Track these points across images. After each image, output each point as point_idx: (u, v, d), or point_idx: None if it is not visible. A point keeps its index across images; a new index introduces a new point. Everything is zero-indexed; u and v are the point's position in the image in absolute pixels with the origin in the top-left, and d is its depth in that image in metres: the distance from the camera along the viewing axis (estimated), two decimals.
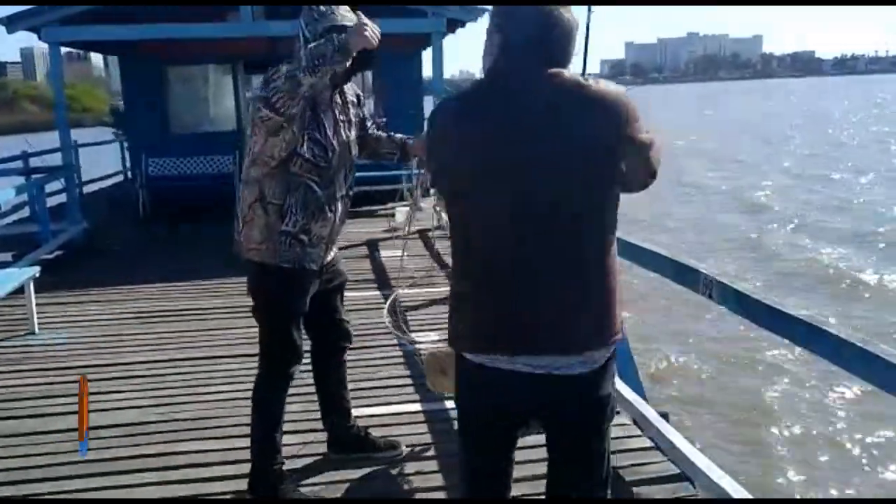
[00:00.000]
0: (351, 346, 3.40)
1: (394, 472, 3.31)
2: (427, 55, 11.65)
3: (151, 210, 10.62)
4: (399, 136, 3.26)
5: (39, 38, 8.34)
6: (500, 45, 1.83)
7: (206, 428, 3.78)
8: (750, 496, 2.76)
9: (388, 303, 5.50)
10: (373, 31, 2.57)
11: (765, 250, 13.04)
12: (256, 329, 3.04)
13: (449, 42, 9.10)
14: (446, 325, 1.95)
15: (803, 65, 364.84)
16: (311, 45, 2.60)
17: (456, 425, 2.06)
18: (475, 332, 1.85)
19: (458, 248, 1.92)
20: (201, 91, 11.63)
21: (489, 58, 1.86)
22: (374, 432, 3.55)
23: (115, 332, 5.49)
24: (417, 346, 4.69)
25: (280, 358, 3.01)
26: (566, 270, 1.76)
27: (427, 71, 11.82)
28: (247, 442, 3.14)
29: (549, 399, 1.84)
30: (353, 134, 3.00)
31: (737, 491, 2.76)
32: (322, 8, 2.79)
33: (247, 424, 3.43)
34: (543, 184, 1.73)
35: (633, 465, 3.24)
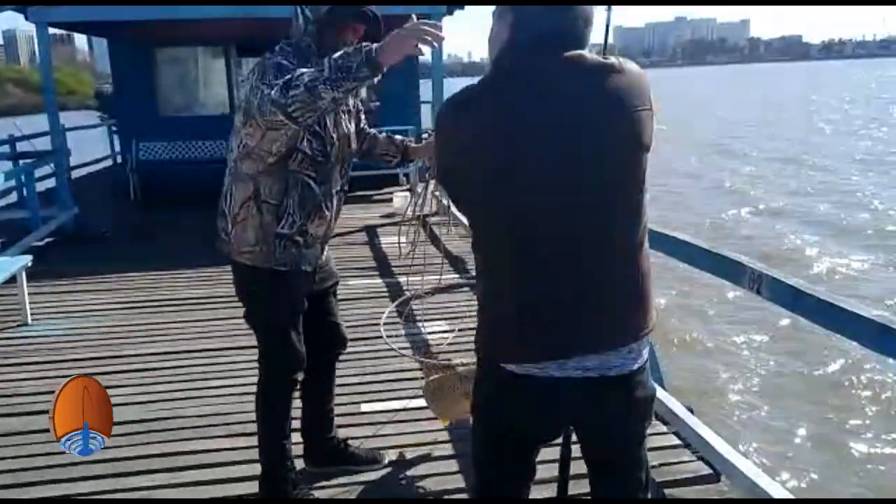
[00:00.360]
0: (354, 339, 3.26)
1: (409, 473, 3.17)
2: None
3: (143, 195, 10.43)
4: (399, 137, 3.04)
5: (27, 18, 8.08)
6: (512, 28, 1.67)
7: (212, 425, 3.63)
8: (791, 496, 2.64)
9: (385, 316, 5.35)
10: (425, 33, 2.05)
11: (735, 234, 12.97)
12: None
13: None
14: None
15: (790, 49, 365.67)
16: (337, 55, 2.19)
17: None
18: (520, 338, 1.69)
19: (485, 250, 1.75)
20: (193, 74, 11.39)
21: (499, 43, 1.70)
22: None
23: (112, 322, 5.32)
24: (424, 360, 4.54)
25: (282, 364, 2.82)
26: (609, 259, 1.65)
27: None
28: (256, 440, 3.00)
29: (600, 403, 1.72)
30: (353, 126, 2.80)
31: (777, 490, 2.64)
32: None
33: (255, 421, 3.29)
34: (581, 171, 1.60)
35: (661, 464, 3.11)
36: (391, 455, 3.28)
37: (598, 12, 1.75)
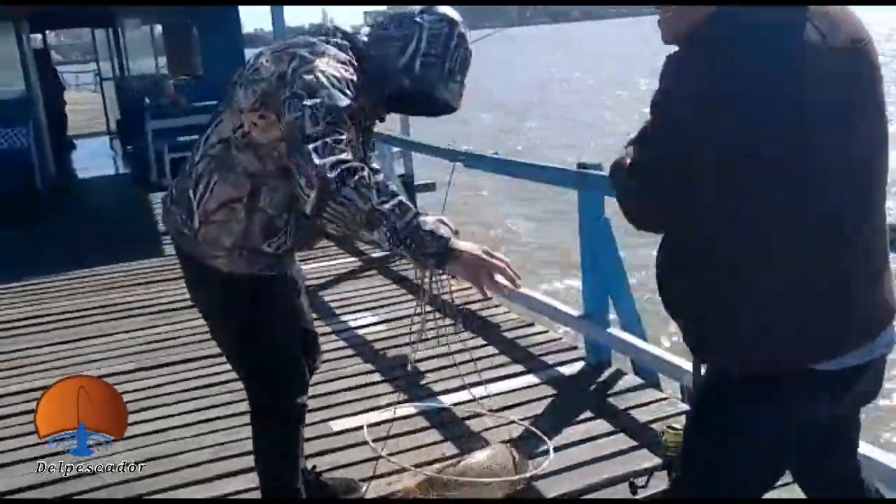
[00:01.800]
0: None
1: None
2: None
3: None
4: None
5: None
6: None
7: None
8: None
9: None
10: (501, 272, 1.78)
11: None
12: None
13: None
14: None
15: (554, 13, 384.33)
16: (420, 221, 1.79)
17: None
18: (840, 326, 1.49)
19: (767, 239, 1.47)
20: None
21: (687, 19, 1.48)
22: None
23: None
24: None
25: (284, 389, 2.35)
26: (878, 219, 1.56)
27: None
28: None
29: (880, 380, 1.63)
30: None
31: None
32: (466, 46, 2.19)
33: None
34: (864, 133, 1.48)
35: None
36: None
37: None
